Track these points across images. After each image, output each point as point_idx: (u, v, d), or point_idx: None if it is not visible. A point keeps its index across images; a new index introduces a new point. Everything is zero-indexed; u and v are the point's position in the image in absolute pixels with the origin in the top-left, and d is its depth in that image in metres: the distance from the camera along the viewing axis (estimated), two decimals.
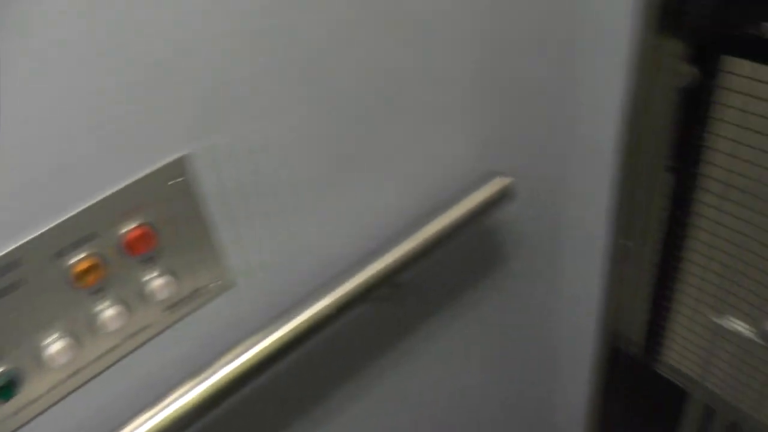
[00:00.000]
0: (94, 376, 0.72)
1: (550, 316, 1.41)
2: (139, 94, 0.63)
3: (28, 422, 0.69)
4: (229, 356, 0.77)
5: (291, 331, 0.80)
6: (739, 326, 1.11)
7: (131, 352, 0.73)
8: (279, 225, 0.81)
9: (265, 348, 0.79)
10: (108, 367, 0.72)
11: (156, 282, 0.70)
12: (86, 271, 0.65)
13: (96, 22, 0.58)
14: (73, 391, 0.71)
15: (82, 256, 0.65)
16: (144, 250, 0.68)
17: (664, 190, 1.07)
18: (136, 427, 0.72)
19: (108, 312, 0.68)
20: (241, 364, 0.77)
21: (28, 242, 0.61)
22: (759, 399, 1.16)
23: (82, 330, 0.68)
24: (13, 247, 0.60)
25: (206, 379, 0.76)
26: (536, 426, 1.63)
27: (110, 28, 0.59)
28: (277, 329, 0.80)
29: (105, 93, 0.61)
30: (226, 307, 0.80)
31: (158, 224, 0.69)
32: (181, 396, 0.74)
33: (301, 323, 0.81)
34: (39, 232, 0.61)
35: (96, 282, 0.66)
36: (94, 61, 0.59)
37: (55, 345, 0.66)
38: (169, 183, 0.67)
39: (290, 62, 0.72)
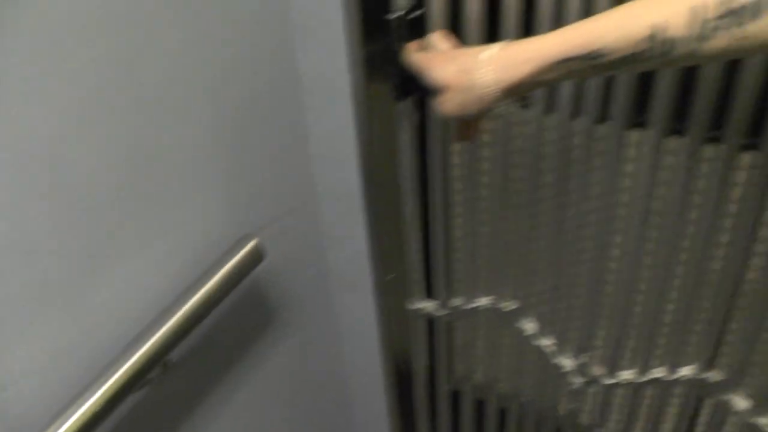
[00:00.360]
0: None
1: (335, 356, 1.45)
2: None
3: None
4: None
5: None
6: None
7: None
8: (35, 330, 0.77)
9: None
10: None
11: None
12: None
13: None
14: None
15: None
16: None
17: (413, 221, 1.15)
18: None
19: None
20: None
21: None
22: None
23: None
24: None
25: None
26: None
27: None
28: None
29: None
30: None
31: None
32: None
33: (72, 424, 0.78)
34: None
35: None
36: None
37: None
38: None
39: (24, 155, 0.69)
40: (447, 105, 0.76)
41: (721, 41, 0.57)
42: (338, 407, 1.55)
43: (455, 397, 1.41)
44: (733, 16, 0.56)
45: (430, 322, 1.26)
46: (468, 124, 0.84)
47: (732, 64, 0.79)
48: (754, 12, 0.55)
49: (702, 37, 0.58)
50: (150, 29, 0.80)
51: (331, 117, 1.08)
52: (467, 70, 0.73)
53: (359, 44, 0.96)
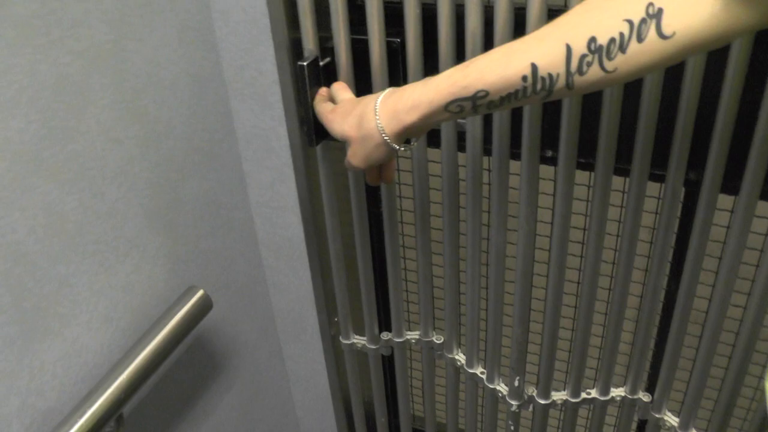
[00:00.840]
0: None
1: (286, 398, 1.47)
2: None
3: None
4: None
5: None
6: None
7: None
8: None
9: None
10: None
11: None
12: None
13: None
14: None
15: None
16: None
17: (346, 261, 1.18)
18: None
19: None
20: None
21: None
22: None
23: None
24: None
25: None
26: None
27: None
28: None
29: None
30: None
31: None
32: None
33: None
34: None
35: None
36: None
37: None
38: None
39: None
40: (353, 158, 0.79)
41: (594, 74, 0.61)
42: None
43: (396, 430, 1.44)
44: (602, 51, 0.60)
45: (365, 356, 1.29)
46: (378, 168, 0.86)
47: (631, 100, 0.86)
48: (621, 46, 0.59)
49: (577, 72, 0.62)
50: (80, 98, 0.83)
51: (269, 166, 1.12)
52: (363, 120, 0.76)
53: (290, 96, 1.01)
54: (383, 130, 0.74)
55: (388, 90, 0.75)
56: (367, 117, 0.75)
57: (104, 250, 0.91)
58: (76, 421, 0.86)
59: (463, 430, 1.34)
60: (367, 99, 0.78)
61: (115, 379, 0.91)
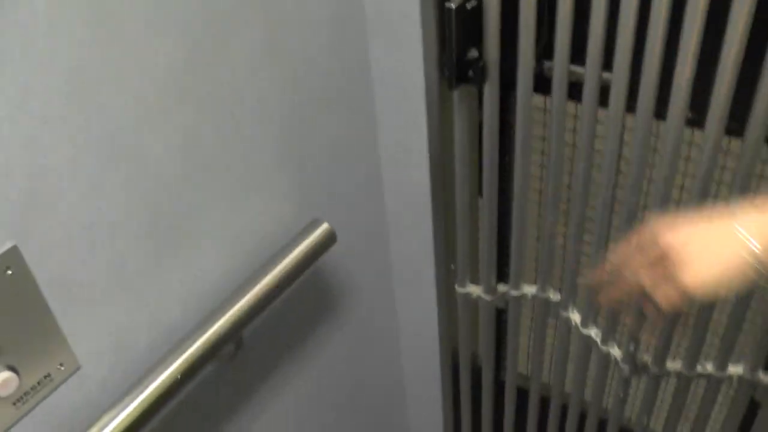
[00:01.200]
0: None
1: (393, 344, 1.49)
2: None
3: None
4: None
5: (141, 403, 0.83)
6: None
7: None
8: (114, 305, 0.83)
9: (119, 425, 0.81)
10: None
11: None
12: None
13: None
14: None
15: None
16: None
17: (477, 216, 1.18)
18: None
19: None
20: None
21: None
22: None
23: None
24: None
25: None
26: None
27: None
28: (127, 405, 0.82)
29: None
30: (75, 392, 0.82)
31: None
32: None
33: (151, 393, 0.84)
34: None
35: None
36: None
37: None
38: (0, 276, 0.69)
39: (104, 142, 0.76)
40: (693, 277, 0.69)
41: None
42: (393, 392, 1.59)
43: (501, 387, 1.45)
44: None
45: (478, 307, 1.29)
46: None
47: None
48: None
49: None
50: (227, 29, 0.85)
51: (402, 110, 1.13)
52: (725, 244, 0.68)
53: (432, 39, 1.01)
54: (755, 250, 0.67)
55: (753, 205, 0.70)
56: (730, 236, 0.68)
57: (236, 178, 0.94)
58: (197, 338, 0.90)
59: (570, 394, 1.33)
60: (715, 227, 0.70)
61: (237, 301, 0.94)
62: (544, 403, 1.42)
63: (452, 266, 1.27)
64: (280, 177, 1.02)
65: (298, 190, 1.06)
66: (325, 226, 1.05)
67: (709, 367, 1.13)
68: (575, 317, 1.19)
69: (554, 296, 1.20)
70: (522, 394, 1.45)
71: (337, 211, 1.15)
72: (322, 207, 1.11)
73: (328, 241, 1.05)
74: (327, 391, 1.33)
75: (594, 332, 1.18)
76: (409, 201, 1.23)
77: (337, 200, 1.15)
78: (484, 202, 1.13)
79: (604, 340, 1.17)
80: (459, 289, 1.27)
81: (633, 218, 1.02)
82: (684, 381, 1.16)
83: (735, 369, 1.11)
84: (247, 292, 0.95)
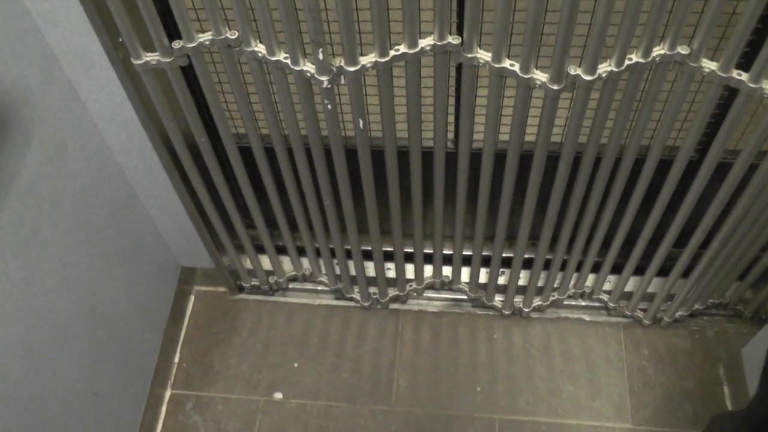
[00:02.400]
0: None
1: (98, 141, 1.40)
2: None
3: None
4: None
5: None
6: None
7: None
8: None
9: None
10: None
11: None
12: None
13: None
14: None
15: None
16: None
17: None
18: None
19: None
20: None
21: None
22: None
23: None
24: None
25: None
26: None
27: None
28: None
29: None
30: None
31: None
32: None
33: None
34: None
35: None
36: None
37: None
38: None
39: None
40: None
41: None
42: (120, 188, 1.53)
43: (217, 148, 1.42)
44: None
45: (165, 75, 1.23)
46: None
47: None
48: None
49: None
50: None
51: None
52: None
53: None
54: None
55: None
56: None
57: None
58: None
59: (286, 131, 1.33)
60: None
61: None
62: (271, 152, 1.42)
63: (120, 39, 1.16)
64: None
65: None
66: None
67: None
68: (260, 48, 1.16)
69: (231, 34, 1.14)
70: (245, 151, 1.44)
71: None
72: None
73: None
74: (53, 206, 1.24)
75: (282, 56, 1.15)
76: None
77: None
78: None
79: (294, 60, 1.15)
80: (135, 62, 1.18)
81: None
82: (380, 68, 1.17)
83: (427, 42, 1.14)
84: None
